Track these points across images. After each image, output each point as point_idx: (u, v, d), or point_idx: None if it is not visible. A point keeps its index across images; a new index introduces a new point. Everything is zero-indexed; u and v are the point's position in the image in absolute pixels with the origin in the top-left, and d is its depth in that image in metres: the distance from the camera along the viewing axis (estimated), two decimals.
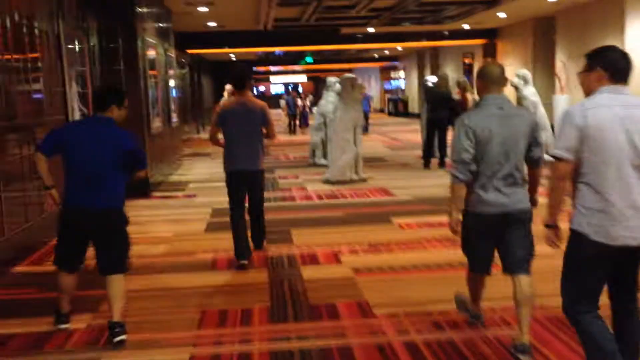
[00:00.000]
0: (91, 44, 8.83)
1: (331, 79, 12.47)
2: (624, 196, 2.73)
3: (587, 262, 2.83)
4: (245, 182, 5.64)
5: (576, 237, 2.85)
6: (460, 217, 3.56)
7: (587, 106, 2.81)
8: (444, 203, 5.09)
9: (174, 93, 13.37)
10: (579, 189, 2.83)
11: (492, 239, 3.55)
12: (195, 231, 7.17)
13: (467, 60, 23.50)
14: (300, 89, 53.76)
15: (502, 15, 16.44)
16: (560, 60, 15.73)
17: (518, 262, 3.51)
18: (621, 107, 2.77)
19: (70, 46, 7.84)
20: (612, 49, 2.94)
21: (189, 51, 19.58)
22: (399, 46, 23.79)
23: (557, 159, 2.82)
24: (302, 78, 50.61)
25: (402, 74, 34.43)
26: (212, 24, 15.96)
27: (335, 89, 12.30)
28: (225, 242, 6.00)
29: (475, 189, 3.47)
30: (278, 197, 9.23)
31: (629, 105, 2.79)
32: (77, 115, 7.92)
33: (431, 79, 13.22)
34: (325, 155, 12.58)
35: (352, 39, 20.23)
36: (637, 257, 2.87)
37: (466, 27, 19.09)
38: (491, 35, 20.58)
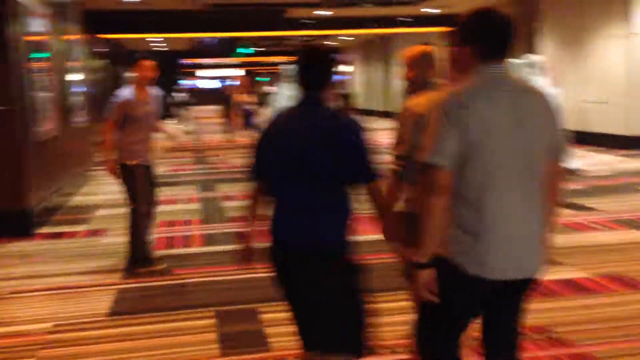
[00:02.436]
0: None
1: (288, 67, 9.67)
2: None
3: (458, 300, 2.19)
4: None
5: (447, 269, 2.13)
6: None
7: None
8: None
9: (81, 87, 10.21)
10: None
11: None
12: (91, 314, 4.24)
13: None
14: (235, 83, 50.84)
15: None
16: (551, 51, 13.47)
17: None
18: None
19: None
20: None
21: (104, 36, 16.26)
22: (352, 33, 21.15)
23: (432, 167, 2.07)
24: (237, 72, 47.40)
25: (348, 67, 31.88)
26: None
27: (292, 79, 9.51)
28: (145, 341, 3.46)
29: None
30: (226, 233, 6.39)
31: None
32: None
33: None
34: None
35: (298, 24, 17.43)
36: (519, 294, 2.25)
37: (434, 11, 16.66)
38: (452, 22, 18.21)
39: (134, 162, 4.97)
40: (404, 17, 17.81)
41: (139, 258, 5.07)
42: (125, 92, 4.99)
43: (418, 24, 18.39)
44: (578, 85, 12.80)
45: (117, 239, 6.21)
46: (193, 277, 4.95)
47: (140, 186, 5.04)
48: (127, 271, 5.04)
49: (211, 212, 7.49)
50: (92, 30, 13.81)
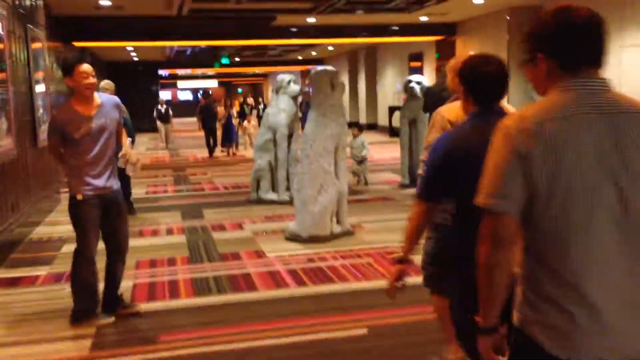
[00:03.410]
0: None
1: (283, 77, 8.62)
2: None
3: None
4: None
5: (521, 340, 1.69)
6: None
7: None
8: None
9: (46, 100, 9.03)
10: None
11: None
12: None
13: (414, 64, 20.21)
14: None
15: (479, 1, 13.18)
16: None
17: None
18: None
19: None
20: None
21: (76, 44, 15.05)
22: (341, 42, 20.12)
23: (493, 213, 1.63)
24: (212, 83, 46.24)
25: None
26: (106, 2, 11.68)
27: (290, 91, 8.48)
28: None
29: None
30: (221, 275, 5.29)
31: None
32: None
33: (417, 79, 9.67)
34: (274, 187, 8.71)
35: (285, 33, 16.39)
36: None
37: (424, 19, 15.76)
38: (448, 31, 17.39)
39: (79, 196, 4.06)
40: (395, 25, 16.88)
41: (82, 309, 4.21)
42: (61, 108, 4.14)
43: (409, 33, 17.47)
44: None
45: None
46: (184, 348, 3.84)
47: (86, 224, 4.12)
48: (74, 321, 4.18)
49: (199, 247, 6.39)
50: (62, 37, 12.63)
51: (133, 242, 6.35)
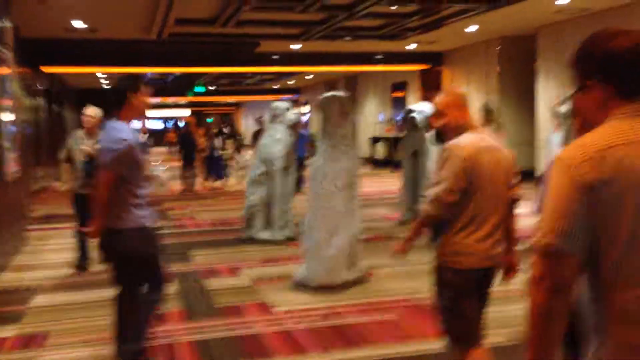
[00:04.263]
0: None
1: (280, 105, 7.92)
2: None
3: None
4: None
5: None
6: None
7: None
8: None
9: (12, 130, 8.12)
10: None
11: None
12: None
13: (397, 94, 19.73)
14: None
15: (472, 29, 12.75)
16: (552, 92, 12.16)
17: None
18: None
19: None
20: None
21: (45, 69, 14.16)
22: (323, 70, 19.58)
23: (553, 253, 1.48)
24: (184, 112, 45.30)
25: (305, 108, 30.41)
26: (78, 24, 10.88)
27: (287, 120, 7.77)
28: None
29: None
30: (225, 339, 4.47)
31: None
32: None
33: (419, 108, 9.05)
34: (269, 224, 7.93)
35: (268, 60, 15.76)
36: None
37: (411, 47, 15.31)
38: (435, 61, 16.97)
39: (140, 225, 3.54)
40: (380, 54, 16.41)
41: None
42: (126, 132, 3.54)
43: (395, 62, 17.01)
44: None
45: (67, 353, 4.23)
46: None
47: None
48: None
49: (194, 298, 5.55)
50: (30, 62, 11.75)
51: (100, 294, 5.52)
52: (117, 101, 3.56)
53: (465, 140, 2.81)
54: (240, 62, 15.72)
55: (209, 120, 46.54)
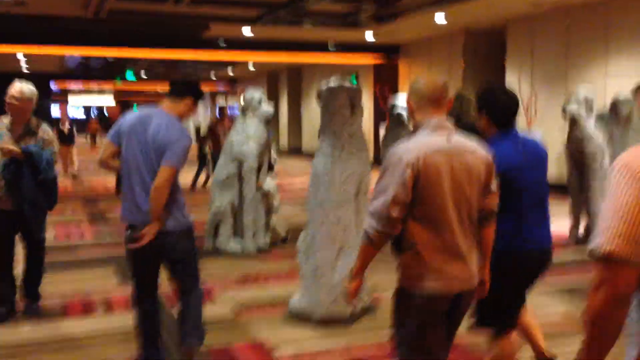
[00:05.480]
0: None
1: (253, 94, 6.77)
2: None
3: None
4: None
5: None
6: None
7: None
8: None
9: None
10: None
11: None
12: None
13: None
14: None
15: (439, 19, 11.94)
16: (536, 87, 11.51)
17: None
18: None
19: None
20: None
21: None
22: (272, 59, 18.31)
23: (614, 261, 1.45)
24: (108, 100, 42.71)
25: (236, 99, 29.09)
26: None
27: (262, 113, 6.67)
28: None
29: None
30: None
31: None
32: None
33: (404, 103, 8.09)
34: (238, 233, 6.79)
35: (214, 45, 14.42)
36: None
37: (370, 38, 14.40)
38: (389, 53, 16.15)
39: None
40: (334, 43, 15.43)
41: None
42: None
43: (348, 51, 16.07)
44: (560, 129, 10.99)
45: None
46: None
47: None
48: None
49: (166, 336, 4.38)
50: None
51: (54, 331, 4.29)
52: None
53: (417, 141, 2.37)
54: (185, 47, 14.32)
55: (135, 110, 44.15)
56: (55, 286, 5.48)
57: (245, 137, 6.63)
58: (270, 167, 7.28)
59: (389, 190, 2.28)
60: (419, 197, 2.29)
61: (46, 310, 4.81)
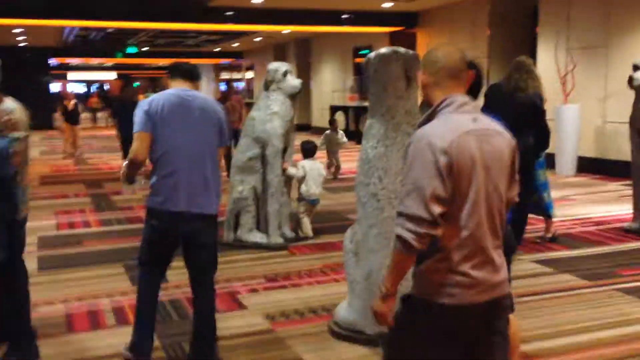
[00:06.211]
0: None
1: (278, 66, 5.97)
2: None
3: None
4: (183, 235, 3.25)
5: None
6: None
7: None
8: None
9: None
10: None
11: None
12: None
13: (360, 60, 17.92)
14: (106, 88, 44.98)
15: None
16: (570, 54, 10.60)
17: None
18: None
19: None
20: None
21: None
22: (283, 29, 17.44)
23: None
24: (110, 75, 41.74)
25: (248, 74, 28.19)
26: None
27: (288, 87, 5.89)
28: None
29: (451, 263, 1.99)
30: None
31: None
32: None
33: None
34: (260, 224, 6.05)
35: (220, 16, 13.54)
36: None
37: (387, 5, 13.51)
38: (408, 21, 15.26)
39: None
40: (348, 12, 14.53)
41: None
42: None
43: (362, 23, 15.17)
44: (599, 102, 10.18)
45: None
46: None
47: None
48: None
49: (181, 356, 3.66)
50: None
51: (59, 347, 3.59)
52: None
53: (443, 122, 2.03)
54: (189, 18, 13.44)
55: (135, 85, 43.54)
56: (58, 290, 4.78)
57: (269, 115, 5.85)
58: (311, 152, 6.47)
59: (422, 184, 1.92)
60: (453, 189, 1.95)
61: (49, 323, 4.09)
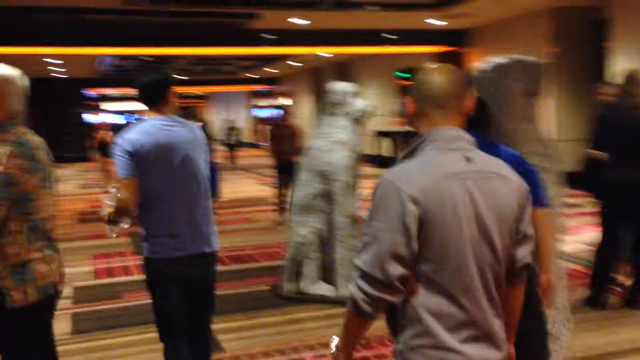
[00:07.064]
0: None
1: (344, 87, 5.15)
2: None
3: None
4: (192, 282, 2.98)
5: None
6: None
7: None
8: None
9: None
10: None
11: None
12: None
13: (403, 83, 17.10)
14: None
15: None
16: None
17: None
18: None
19: None
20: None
21: None
22: (326, 51, 16.77)
23: None
24: (140, 105, 41.69)
25: (285, 101, 27.62)
26: None
27: (354, 111, 5.07)
28: None
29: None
30: None
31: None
32: None
33: None
34: (328, 276, 5.17)
35: (257, 39, 12.89)
36: None
37: (438, 22, 12.71)
38: (455, 40, 14.42)
39: None
40: (389, 31, 13.76)
41: None
42: None
43: (405, 42, 14.39)
44: None
45: None
46: None
47: None
48: None
49: None
50: None
51: None
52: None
53: (421, 163, 1.67)
54: (227, 42, 12.83)
55: None
56: None
57: (335, 143, 5.01)
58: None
59: (382, 238, 1.60)
60: (427, 247, 1.60)
61: None
